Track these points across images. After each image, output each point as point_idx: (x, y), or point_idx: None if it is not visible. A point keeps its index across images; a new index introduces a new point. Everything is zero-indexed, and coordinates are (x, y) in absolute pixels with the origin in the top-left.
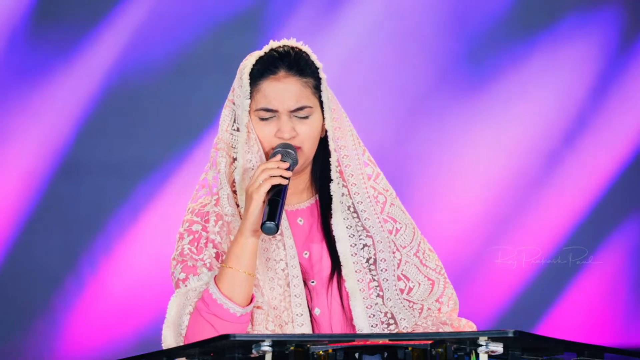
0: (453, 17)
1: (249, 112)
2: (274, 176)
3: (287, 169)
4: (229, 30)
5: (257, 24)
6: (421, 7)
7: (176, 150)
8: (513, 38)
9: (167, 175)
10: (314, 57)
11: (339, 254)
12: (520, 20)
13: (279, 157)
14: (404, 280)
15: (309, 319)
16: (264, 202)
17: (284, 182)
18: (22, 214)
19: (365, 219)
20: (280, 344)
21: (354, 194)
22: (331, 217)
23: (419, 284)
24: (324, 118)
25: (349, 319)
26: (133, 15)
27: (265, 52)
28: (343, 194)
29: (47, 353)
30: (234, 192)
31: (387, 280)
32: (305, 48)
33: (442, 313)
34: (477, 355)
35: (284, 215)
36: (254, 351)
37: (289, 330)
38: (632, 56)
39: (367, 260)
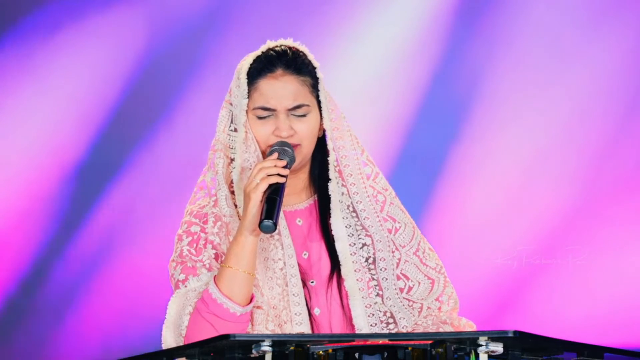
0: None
1: (247, 111)
2: (271, 175)
3: (285, 167)
4: (237, 30)
5: (259, 26)
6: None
7: (176, 151)
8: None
9: (168, 177)
10: (311, 56)
11: (338, 253)
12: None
13: (275, 155)
14: (403, 280)
15: (307, 318)
16: (261, 201)
17: (282, 180)
18: (24, 215)
19: (364, 219)
20: (280, 344)
21: (353, 194)
22: (330, 217)
23: (419, 283)
24: (321, 117)
25: (348, 318)
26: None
27: (262, 52)
28: (342, 194)
29: (47, 353)
30: (232, 192)
31: (387, 279)
32: (302, 48)
33: (442, 312)
34: (477, 355)
35: (282, 215)
36: (254, 351)
37: (288, 329)
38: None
39: (367, 260)
